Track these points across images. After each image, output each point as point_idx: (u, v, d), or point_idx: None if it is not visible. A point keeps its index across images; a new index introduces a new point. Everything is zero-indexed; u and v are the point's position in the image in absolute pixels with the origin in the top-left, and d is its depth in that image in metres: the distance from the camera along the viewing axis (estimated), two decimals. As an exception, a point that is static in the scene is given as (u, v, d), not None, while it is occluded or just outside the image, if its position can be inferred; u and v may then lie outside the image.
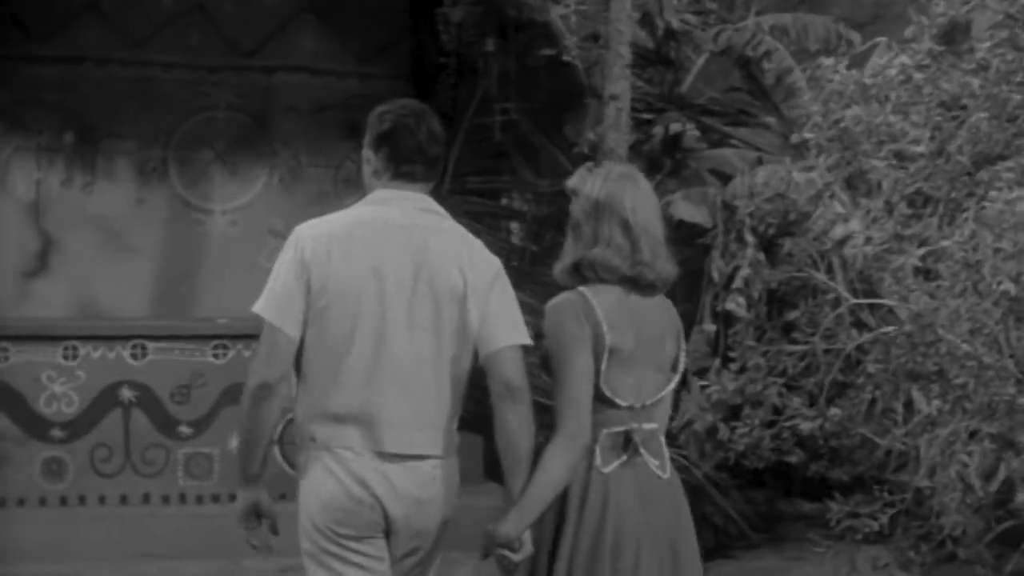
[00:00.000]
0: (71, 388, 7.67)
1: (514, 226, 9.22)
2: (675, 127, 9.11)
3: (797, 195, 6.85)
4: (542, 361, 3.78)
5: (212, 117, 8.75)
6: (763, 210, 7.21)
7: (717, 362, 7.58)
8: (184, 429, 7.77)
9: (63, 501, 7.65)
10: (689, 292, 8.38)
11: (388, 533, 3.73)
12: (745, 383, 6.99)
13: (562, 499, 3.67)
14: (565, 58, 8.22)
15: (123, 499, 7.69)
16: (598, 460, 3.69)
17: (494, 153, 8.83)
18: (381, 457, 3.66)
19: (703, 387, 7.37)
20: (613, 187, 3.75)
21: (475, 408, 8.81)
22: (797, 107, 8.41)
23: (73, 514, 7.60)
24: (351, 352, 3.65)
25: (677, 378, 3.87)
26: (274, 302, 3.67)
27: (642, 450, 3.74)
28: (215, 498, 7.70)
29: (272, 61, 8.82)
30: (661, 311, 3.84)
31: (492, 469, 8.22)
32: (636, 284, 3.73)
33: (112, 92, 8.60)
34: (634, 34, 7.98)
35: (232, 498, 7.24)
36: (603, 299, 3.69)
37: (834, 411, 6.76)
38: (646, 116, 8.86)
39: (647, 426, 3.76)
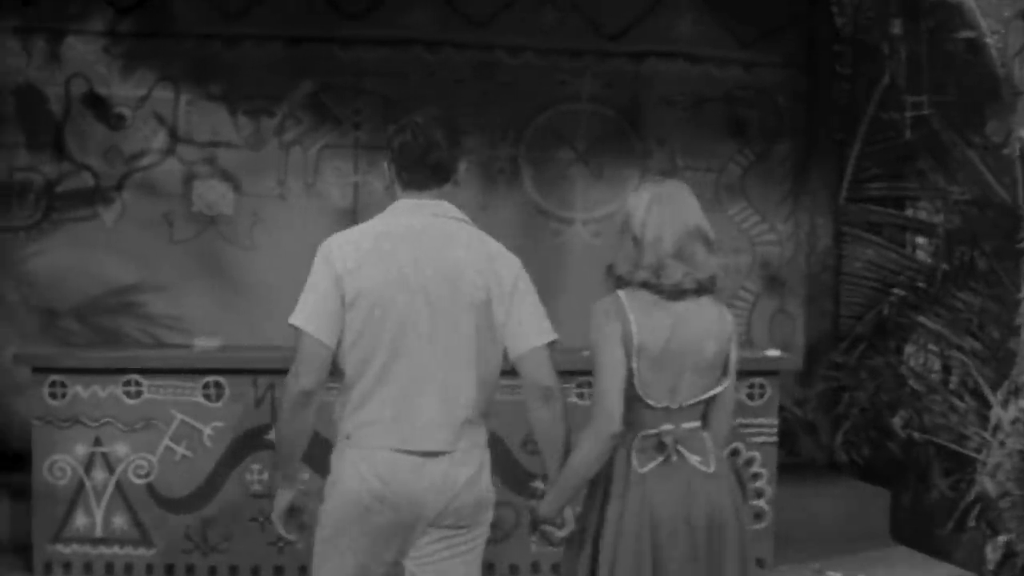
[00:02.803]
0: (391, 433, 6.69)
1: (921, 241, 8.07)
2: (1080, 129, 7.97)
3: None
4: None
5: (572, 110, 8.21)
6: None
7: None
8: (539, 484, 6.56)
9: (388, 568, 6.64)
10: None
11: (416, 523, 3.97)
12: None
13: (604, 497, 3.99)
14: (987, 40, 7.02)
15: (462, 567, 6.60)
16: (635, 461, 3.99)
17: (900, 155, 7.79)
18: (411, 454, 3.94)
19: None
20: (633, 203, 4.08)
21: (874, 453, 7.69)
22: None
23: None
24: (381, 358, 3.93)
25: (728, 381, 4.11)
26: (309, 314, 3.94)
27: (680, 448, 4.01)
28: (570, 568, 6.55)
29: (642, 46, 8.19)
30: (703, 314, 4.06)
31: (901, 529, 7.41)
32: (659, 290, 4.00)
33: (447, 80, 7.99)
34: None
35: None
36: (635, 301, 3.99)
37: None
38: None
39: (686, 425, 4.03)
